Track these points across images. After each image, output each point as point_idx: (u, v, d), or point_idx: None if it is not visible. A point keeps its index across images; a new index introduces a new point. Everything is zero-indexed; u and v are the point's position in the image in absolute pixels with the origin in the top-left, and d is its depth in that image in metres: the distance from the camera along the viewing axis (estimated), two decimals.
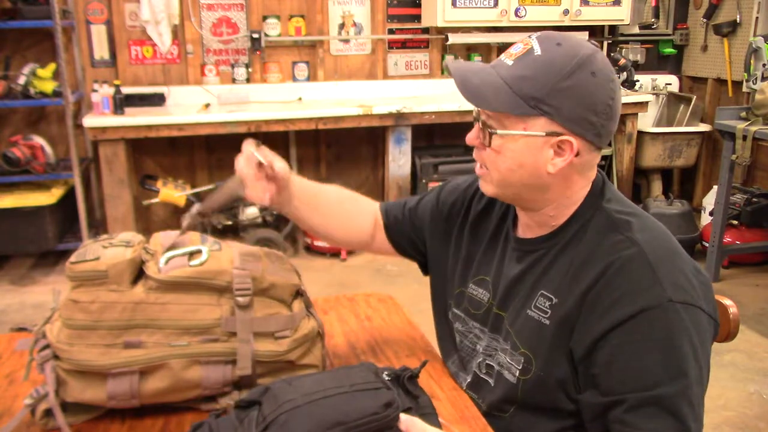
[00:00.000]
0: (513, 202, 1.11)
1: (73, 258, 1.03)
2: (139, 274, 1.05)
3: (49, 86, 3.75)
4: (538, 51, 0.97)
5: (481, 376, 1.15)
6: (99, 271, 1.00)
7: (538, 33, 1.01)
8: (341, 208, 1.33)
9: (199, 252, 1.06)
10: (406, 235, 1.33)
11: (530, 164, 1.00)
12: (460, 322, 1.21)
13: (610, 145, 4.60)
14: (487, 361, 1.14)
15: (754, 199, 3.94)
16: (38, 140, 3.81)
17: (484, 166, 1.06)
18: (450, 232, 1.26)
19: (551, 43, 0.98)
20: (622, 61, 4.37)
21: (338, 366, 1.24)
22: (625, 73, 4.38)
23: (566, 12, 4.39)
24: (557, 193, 1.04)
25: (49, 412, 1.01)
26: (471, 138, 1.06)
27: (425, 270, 1.36)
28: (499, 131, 1.00)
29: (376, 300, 1.53)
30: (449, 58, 1.01)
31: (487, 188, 1.08)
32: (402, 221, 1.33)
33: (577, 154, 0.99)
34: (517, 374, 1.06)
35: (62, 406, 1.02)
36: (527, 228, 1.12)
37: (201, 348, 1.04)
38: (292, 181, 1.22)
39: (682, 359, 0.92)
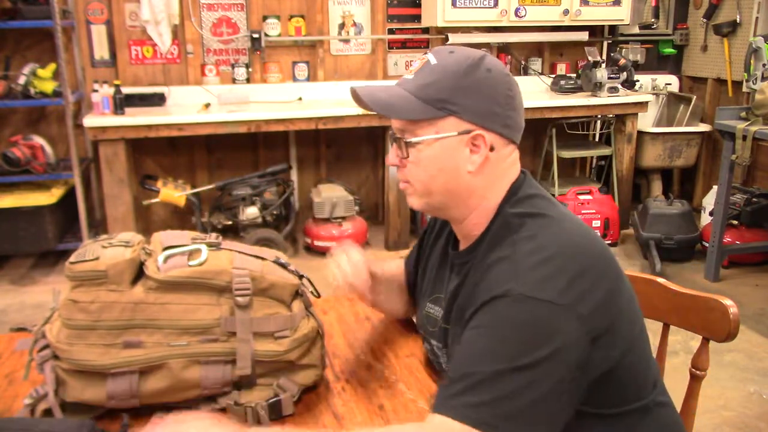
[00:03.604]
0: (439, 212, 1.12)
1: (72, 258, 1.03)
2: (139, 273, 1.05)
3: (49, 86, 3.75)
4: (434, 61, 1.04)
5: None
6: (98, 271, 1.00)
7: (433, 48, 1.09)
8: (396, 283, 1.37)
9: (198, 251, 1.06)
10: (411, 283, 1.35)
11: (450, 167, 1.03)
12: (427, 343, 1.22)
13: (609, 144, 4.60)
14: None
15: (754, 199, 3.94)
16: (38, 140, 3.81)
17: (407, 182, 1.08)
18: (419, 267, 1.30)
19: (444, 52, 1.05)
20: (622, 61, 4.37)
21: (339, 366, 1.24)
22: (625, 73, 4.38)
23: (566, 12, 4.39)
24: (480, 197, 1.05)
25: (48, 412, 1.01)
26: (390, 159, 1.09)
27: None
28: (413, 139, 1.03)
29: None
30: (352, 87, 1.08)
31: (413, 201, 1.09)
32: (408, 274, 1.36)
33: (492, 149, 1.03)
34: None
35: (62, 405, 1.02)
36: (462, 240, 1.13)
37: (200, 348, 1.04)
38: (375, 278, 1.28)
39: (506, 348, 0.89)
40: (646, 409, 1.04)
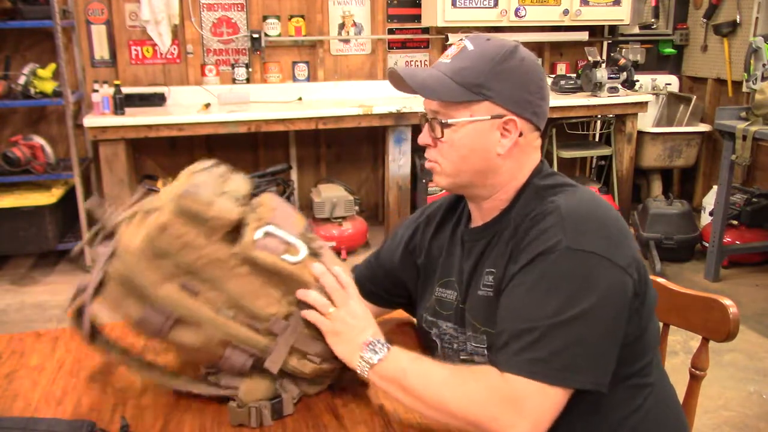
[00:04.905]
0: (464, 190, 1.15)
1: (188, 187, 1.01)
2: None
3: (49, 86, 3.75)
4: (471, 47, 1.09)
5: None
6: (204, 217, 0.99)
7: (468, 34, 1.12)
8: None
9: (296, 249, 1.04)
10: (381, 286, 1.35)
11: (480, 148, 1.08)
12: (435, 327, 1.23)
13: (609, 144, 4.60)
14: (461, 357, 1.17)
15: (754, 199, 3.94)
16: (38, 140, 3.81)
17: (437, 162, 1.12)
18: (415, 258, 1.30)
19: (481, 39, 1.10)
20: (622, 61, 4.36)
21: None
22: (625, 73, 4.38)
23: (566, 12, 4.39)
24: (507, 176, 1.11)
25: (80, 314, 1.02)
26: (423, 138, 1.12)
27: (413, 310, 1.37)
28: (449, 121, 1.07)
29: None
30: (391, 67, 1.14)
31: (441, 180, 1.14)
32: (374, 274, 1.36)
33: (521, 135, 1.08)
34: (486, 353, 1.09)
35: (93, 333, 1.04)
36: (478, 218, 1.17)
37: (240, 330, 1.03)
38: None
39: (559, 300, 0.95)
40: (653, 386, 1.10)
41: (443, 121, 1.07)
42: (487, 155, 1.08)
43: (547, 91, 1.12)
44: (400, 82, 1.11)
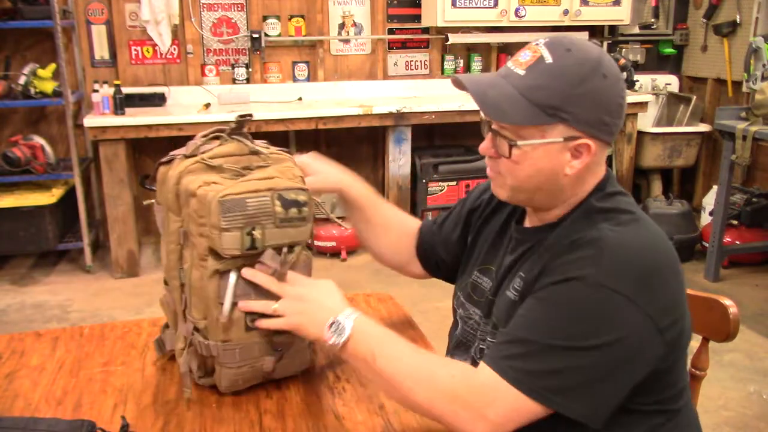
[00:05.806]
0: (523, 203, 1.12)
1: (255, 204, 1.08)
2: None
3: (49, 86, 3.75)
4: (549, 59, 0.98)
5: (477, 360, 1.17)
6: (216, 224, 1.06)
7: (546, 39, 1.01)
8: (393, 227, 1.42)
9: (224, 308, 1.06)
10: (433, 250, 1.35)
11: (548, 169, 1.01)
12: (462, 309, 1.24)
13: (610, 145, 4.60)
14: (480, 346, 1.17)
15: (754, 199, 3.94)
16: (38, 140, 3.81)
17: (498, 174, 1.06)
18: (468, 234, 1.29)
19: (561, 49, 0.98)
20: (622, 61, 4.37)
21: (339, 366, 1.24)
22: (625, 73, 4.38)
23: (566, 12, 4.39)
24: (569, 193, 1.05)
25: None
26: (485, 148, 1.06)
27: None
28: (519, 142, 1.00)
29: (376, 300, 1.54)
30: (456, 76, 1.07)
31: (501, 192, 1.09)
32: (434, 235, 1.36)
33: (594, 155, 1.02)
34: None
35: None
36: (531, 220, 1.14)
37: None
38: (347, 190, 1.44)
39: (570, 327, 0.92)
40: (675, 413, 1.06)
41: (512, 143, 1.00)
42: (555, 176, 1.02)
43: (625, 107, 1.03)
44: (463, 86, 1.03)
